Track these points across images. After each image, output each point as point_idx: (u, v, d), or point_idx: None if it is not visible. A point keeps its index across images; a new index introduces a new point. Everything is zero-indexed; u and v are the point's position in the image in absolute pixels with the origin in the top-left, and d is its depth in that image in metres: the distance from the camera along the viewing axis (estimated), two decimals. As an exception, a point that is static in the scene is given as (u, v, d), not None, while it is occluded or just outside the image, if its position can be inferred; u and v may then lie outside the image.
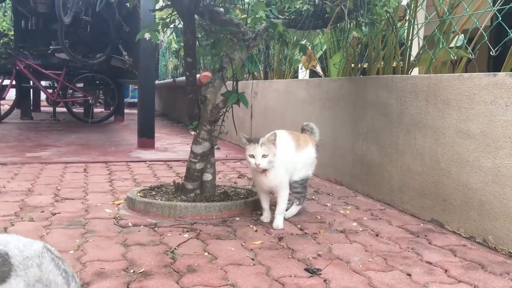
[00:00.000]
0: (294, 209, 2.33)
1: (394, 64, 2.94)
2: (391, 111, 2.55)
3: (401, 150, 2.48)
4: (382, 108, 2.63)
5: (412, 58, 2.84)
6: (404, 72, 2.84)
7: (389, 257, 1.83)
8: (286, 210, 2.26)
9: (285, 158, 2.17)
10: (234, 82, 2.36)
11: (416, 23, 2.77)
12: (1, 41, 8.80)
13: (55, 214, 2.26)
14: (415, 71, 2.97)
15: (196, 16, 2.35)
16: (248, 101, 2.37)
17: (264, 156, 2.05)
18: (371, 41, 3.05)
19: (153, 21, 2.43)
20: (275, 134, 2.10)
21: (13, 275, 0.78)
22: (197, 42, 2.40)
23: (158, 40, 2.19)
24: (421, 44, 2.81)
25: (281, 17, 2.53)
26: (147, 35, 2.06)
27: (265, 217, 2.25)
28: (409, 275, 1.66)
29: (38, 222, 2.11)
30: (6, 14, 11.93)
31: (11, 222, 2.10)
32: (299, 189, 2.30)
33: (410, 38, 2.81)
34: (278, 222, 2.15)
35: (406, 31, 2.87)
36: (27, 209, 2.32)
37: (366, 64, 3.20)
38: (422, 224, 2.26)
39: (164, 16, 2.37)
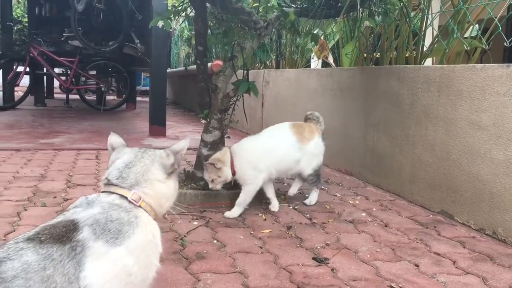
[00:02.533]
0: (315, 195, 2.38)
1: (407, 54, 2.91)
2: (403, 101, 2.53)
3: (412, 141, 2.46)
4: (393, 99, 2.61)
5: (425, 48, 2.81)
6: (417, 62, 2.81)
7: (397, 247, 1.83)
8: (306, 199, 2.37)
9: (272, 158, 2.19)
10: (245, 71, 2.36)
11: (430, 12, 2.73)
12: (15, 28, 8.87)
13: (67, 200, 2.29)
14: (428, 62, 2.94)
15: (207, 4, 2.34)
16: (258, 90, 2.37)
17: (213, 180, 2.11)
18: (384, 31, 3.02)
19: (165, 9, 2.43)
20: (217, 157, 2.13)
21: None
22: (208, 31, 2.40)
23: (171, 28, 2.19)
24: (435, 34, 2.78)
25: (293, 6, 2.52)
26: (160, 23, 2.06)
27: (273, 205, 2.26)
28: (417, 265, 1.66)
29: (50, 208, 2.15)
30: (20, 1, 12.01)
31: (24, 207, 2.13)
32: (314, 179, 2.32)
33: (423, 28, 2.78)
34: (232, 212, 2.15)
35: (419, 20, 2.84)
36: (39, 195, 2.35)
37: (379, 54, 3.18)
38: (431, 216, 2.25)
39: (176, 4, 2.36)
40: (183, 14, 2.37)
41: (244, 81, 2.24)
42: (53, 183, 2.60)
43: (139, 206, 1.04)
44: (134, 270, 0.95)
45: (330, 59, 4.33)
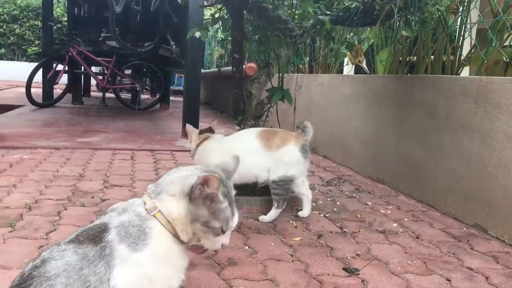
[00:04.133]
0: (273, 212, 2.18)
1: (444, 59, 2.86)
2: (438, 111, 2.51)
3: (446, 152, 2.44)
4: (428, 109, 2.59)
5: (462, 57, 2.77)
6: (453, 71, 2.77)
7: (429, 260, 1.82)
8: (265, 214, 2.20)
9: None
10: (280, 79, 2.38)
11: (469, 22, 2.69)
12: (55, 27, 9.15)
13: (105, 200, 2.37)
14: (465, 70, 2.90)
15: (244, 12, 2.38)
16: (292, 98, 2.39)
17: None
18: (420, 38, 2.99)
19: (202, 16, 2.48)
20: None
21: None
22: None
23: (207, 37, 2.24)
24: (473, 43, 2.73)
25: (329, 13, 2.53)
26: (197, 34, 2.10)
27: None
28: (448, 280, 1.65)
29: (88, 208, 2.22)
30: (60, 0, 12.37)
31: (64, 206, 2.22)
32: (277, 190, 2.16)
33: (461, 36, 2.74)
34: None
35: (457, 29, 2.80)
36: (78, 194, 2.44)
37: (415, 57, 3.14)
38: (465, 228, 2.23)
39: (212, 12, 2.41)
40: (220, 24, 2.41)
41: (279, 89, 2.27)
42: (91, 183, 2.69)
43: (154, 216, 1.01)
44: (154, 278, 0.98)
45: (364, 64, 4.30)
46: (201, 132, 2.28)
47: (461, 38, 2.75)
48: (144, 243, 0.97)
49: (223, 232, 1.06)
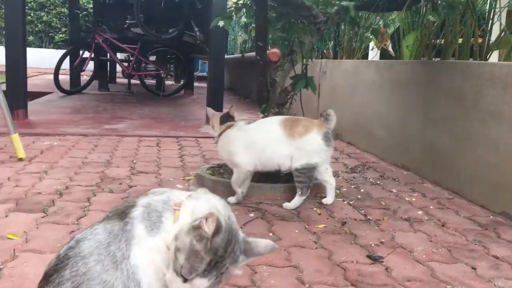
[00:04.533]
0: (296, 200, 2.20)
1: (472, 41, 2.79)
2: (466, 98, 2.47)
3: (474, 139, 2.40)
4: (455, 95, 2.55)
5: (491, 42, 2.71)
6: (482, 56, 2.72)
7: (454, 249, 1.81)
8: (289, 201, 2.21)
9: (259, 145, 2.18)
10: (303, 67, 2.38)
11: (498, 5, 2.63)
12: (81, 15, 9.26)
13: (132, 186, 2.42)
14: (494, 55, 2.83)
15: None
16: (316, 86, 2.38)
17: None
18: (448, 22, 2.93)
19: (225, 3, 2.47)
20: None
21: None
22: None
23: (231, 27, 2.24)
24: (502, 27, 2.67)
25: (354, -1, 2.50)
26: (220, 23, 2.11)
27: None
28: (474, 268, 1.65)
29: (117, 194, 2.28)
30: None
31: (93, 193, 2.28)
32: (300, 178, 2.17)
33: (490, 20, 2.67)
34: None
35: (486, 13, 2.73)
36: (107, 181, 2.50)
37: (442, 41, 3.08)
38: (491, 216, 2.20)
39: (236, 0, 2.41)
40: (244, 11, 2.41)
41: (302, 77, 2.27)
42: (118, 169, 2.75)
43: (173, 212, 0.97)
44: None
45: (390, 48, 4.24)
46: (221, 118, 2.28)
47: (490, 22, 2.69)
48: (158, 231, 0.95)
49: (182, 276, 0.90)
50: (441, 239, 1.91)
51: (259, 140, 2.20)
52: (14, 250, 1.61)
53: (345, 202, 2.34)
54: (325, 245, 1.80)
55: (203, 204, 0.96)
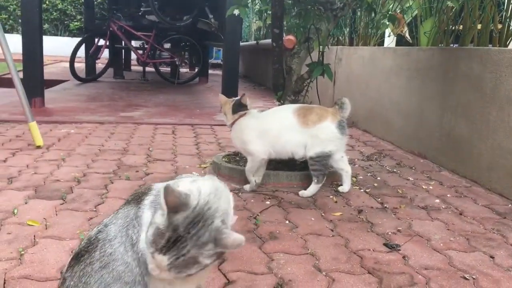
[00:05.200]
0: (313, 188, 2.20)
1: (491, 27, 2.74)
2: (484, 85, 2.42)
3: (492, 127, 2.37)
4: (474, 82, 2.51)
5: (511, 28, 2.65)
6: (501, 42, 2.66)
7: (472, 237, 1.80)
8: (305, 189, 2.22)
9: (273, 133, 2.18)
10: (320, 54, 2.35)
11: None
12: (96, 2, 9.29)
13: (148, 174, 2.44)
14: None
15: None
16: (332, 73, 2.36)
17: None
18: (467, 7, 2.87)
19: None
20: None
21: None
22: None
23: (246, 15, 2.22)
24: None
25: (371, -16, 2.46)
26: (236, 11, 2.10)
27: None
28: (492, 257, 1.63)
29: (134, 181, 2.30)
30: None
31: (110, 180, 2.31)
32: (315, 166, 2.17)
33: (510, 5, 2.61)
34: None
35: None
36: (123, 168, 2.52)
37: (461, 27, 3.02)
38: (510, 205, 2.18)
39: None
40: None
41: (319, 64, 2.25)
42: (135, 157, 2.77)
43: None
44: None
45: (407, 34, 4.18)
46: (233, 108, 2.26)
47: (510, 7, 2.63)
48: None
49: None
50: (458, 227, 1.89)
51: (273, 129, 2.19)
52: (34, 236, 1.64)
53: (362, 190, 2.33)
54: (341, 233, 1.79)
55: (190, 186, 0.94)
